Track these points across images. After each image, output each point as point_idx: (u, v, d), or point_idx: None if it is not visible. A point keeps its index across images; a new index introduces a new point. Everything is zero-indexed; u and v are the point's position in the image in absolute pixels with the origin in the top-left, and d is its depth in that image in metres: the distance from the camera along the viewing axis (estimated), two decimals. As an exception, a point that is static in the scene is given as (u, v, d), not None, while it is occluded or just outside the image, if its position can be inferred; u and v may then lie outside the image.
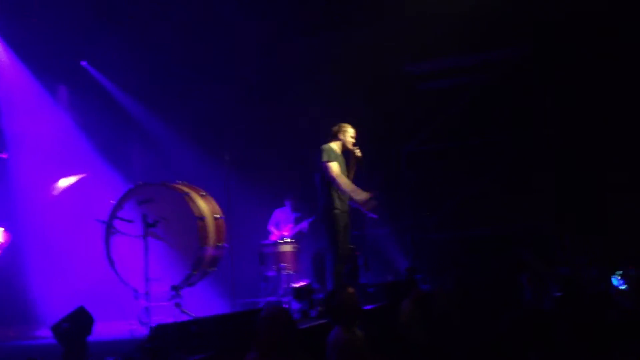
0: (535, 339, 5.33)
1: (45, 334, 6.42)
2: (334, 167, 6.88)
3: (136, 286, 7.18)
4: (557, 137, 10.05)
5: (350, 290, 5.91)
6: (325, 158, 6.93)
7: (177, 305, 7.23)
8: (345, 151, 7.16)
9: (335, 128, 7.15)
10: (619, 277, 6.17)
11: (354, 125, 7.23)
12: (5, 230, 6.70)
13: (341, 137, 7.12)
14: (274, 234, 9.43)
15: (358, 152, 7.12)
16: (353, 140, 7.15)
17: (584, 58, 9.62)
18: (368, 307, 7.11)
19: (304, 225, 9.43)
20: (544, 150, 10.26)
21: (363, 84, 10.07)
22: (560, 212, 9.91)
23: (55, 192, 8.39)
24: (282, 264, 8.63)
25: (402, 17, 9.67)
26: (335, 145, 7.11)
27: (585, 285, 6.82)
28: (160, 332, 5.27)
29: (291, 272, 8.66)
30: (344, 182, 6.87)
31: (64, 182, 8.48)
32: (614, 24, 9.28)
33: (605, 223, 9.32)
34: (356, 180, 7.20)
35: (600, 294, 5.93)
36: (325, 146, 7.04)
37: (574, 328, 4.94)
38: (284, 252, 8.69)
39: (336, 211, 6.91)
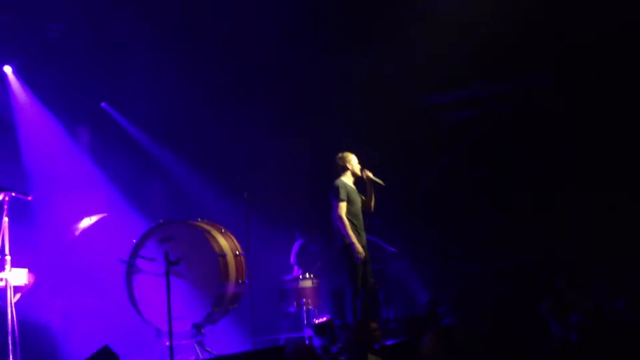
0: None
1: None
2: (342, 207, 6.96)
3: (158, 325, 7.19)
4: (578, 165, 10.00)
5: (373, 324, 5.92)
6: (335, 196, 6.97)
7: (199, 343, 7.23)
8: (359, 179, 7.22)
9: (339, 161, 7.24)
10: None
11: (375, 157, 7.30)
12: (30, 271, 6.77)
13: (349, 166, 7.19)
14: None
15: (369, 173, 7.18)
16: (359, 166, 7.22)
17: (603, 86, 9.61)
18: (389, 342, 7.07)
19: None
20: (566, 179, 10.21)
21: (383, 114, 10.12)
22: (585, 241, 9.79)
23: (77, 233, 8.47)
24: (302, 300, 8.62)
25: (422, 47, 9.71)
26: (346, 179, 7.17)
27: (611, 315, 6.71)
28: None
29: (311, 307, 8.64)
30: (347, 226, 6.94)
31: (86, 223, 8.56)
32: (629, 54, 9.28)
33: (633, 252, 9.20)
34: (377, 203, 7.26)
35: (630, 324, 5.82)
36: (338, 182, 7.10)
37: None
38: (304, 288, 8.68)
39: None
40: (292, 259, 9.60)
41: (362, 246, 7.04)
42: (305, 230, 9.71)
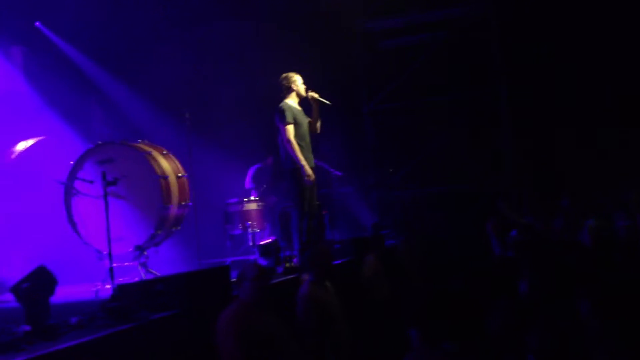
0: (500, 287, 5.40)
1: (6, 298, 6.32)
2: (290, 130, 6.82)
3: (99, 247, 7.10)
4: (514, 95, 10.17)
5: (324, 246, 5.99)
6: (281, 119, 6.85)
7: (143, 265, 7.18)
8: (304, 100, 7.13)
9: (283, 82, 7.04)
10: None
11: (312, 82, 7.17)
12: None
13: (294, 87, 7.04)
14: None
15: (314, 94, 7.06)
16: (304, 86, 7.10)
17: (540, 17, 9.69)
18: (335, 262, 7.14)
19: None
20: (502, 108, 10.39)
21: (323, 41, 9.99)
22: (520, 168, 10.06)
23: (13, 156, 8.18)
24: (247, 222, 8.61)
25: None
26: (291, 101, 7.03)
27: (548, 234, 6.94)
28: (124, 291, 5.23)
29: (257, 230, 8.65)
30: (296, 149, 6.82)
31: (22, 146, 8.27)
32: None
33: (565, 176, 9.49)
34: (324, 125, 7.19)
35: (564, 241, 6.01)
36: (282, 105, 6.92)
37: (536, 273, 5.00)
38: (249, 211, 8.66)
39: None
40: (248, 183, 9.54)
41: (311, 168, 7.00)
42: (260, 154, 9.67)
